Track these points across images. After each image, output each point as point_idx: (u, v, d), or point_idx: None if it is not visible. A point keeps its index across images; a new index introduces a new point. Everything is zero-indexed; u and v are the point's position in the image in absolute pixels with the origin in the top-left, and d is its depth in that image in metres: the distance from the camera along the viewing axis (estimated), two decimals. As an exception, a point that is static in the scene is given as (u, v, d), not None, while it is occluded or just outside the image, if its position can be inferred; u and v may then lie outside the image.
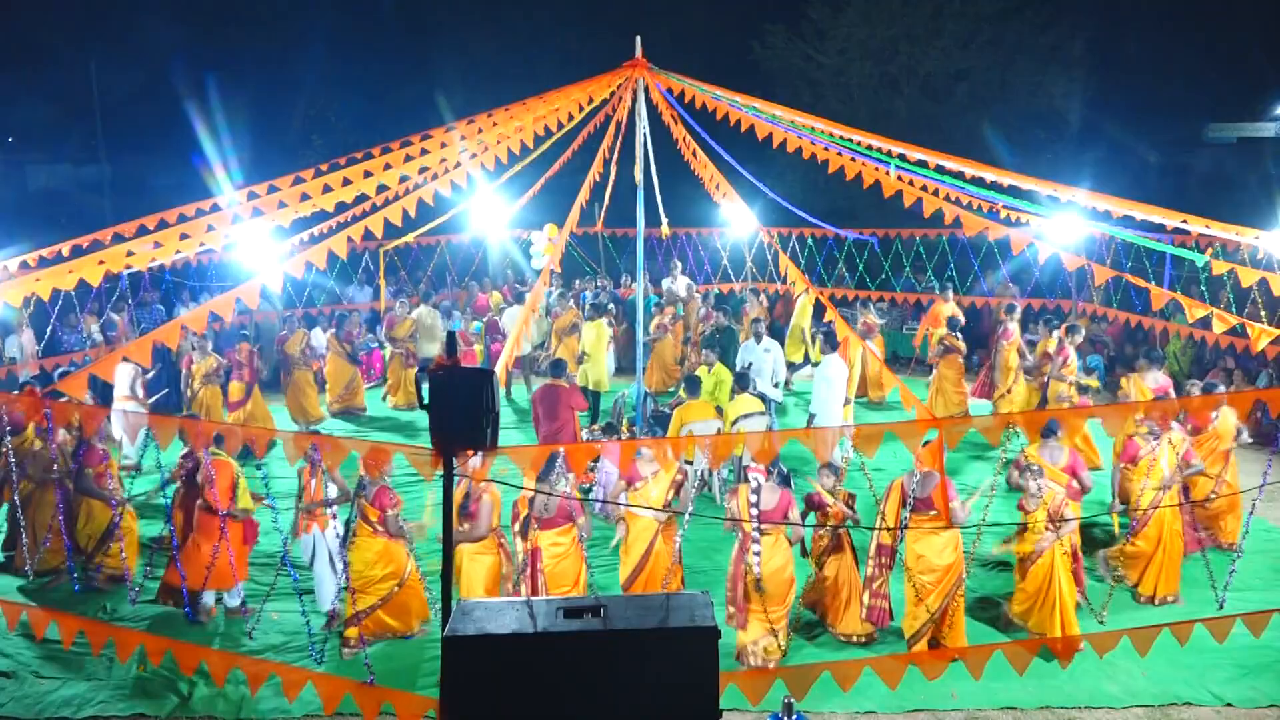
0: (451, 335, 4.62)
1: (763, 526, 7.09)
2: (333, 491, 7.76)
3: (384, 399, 14.61)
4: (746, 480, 7.23)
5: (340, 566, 7.41)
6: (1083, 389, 11.29)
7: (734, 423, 9.69)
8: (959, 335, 13.25)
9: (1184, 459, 8.21)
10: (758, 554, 7.05)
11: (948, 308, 14.14)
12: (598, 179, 11.21)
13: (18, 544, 8.70)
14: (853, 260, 18.47)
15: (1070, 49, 25.23)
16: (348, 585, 7.28)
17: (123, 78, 30.76)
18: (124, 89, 31.13)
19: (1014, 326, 12.77)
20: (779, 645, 7.30)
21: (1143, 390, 10.13)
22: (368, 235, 8.97)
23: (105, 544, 8.54)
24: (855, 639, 7.56)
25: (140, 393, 11.31)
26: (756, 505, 7.08)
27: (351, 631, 7.36)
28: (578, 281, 17.45)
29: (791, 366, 15.08)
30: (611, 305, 15.84)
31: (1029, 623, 7.56)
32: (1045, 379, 11.75)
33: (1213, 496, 8.91)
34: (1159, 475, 8.17)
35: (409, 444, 7.11)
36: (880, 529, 7.54)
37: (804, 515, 7.57)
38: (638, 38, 10.11)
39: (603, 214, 16.83)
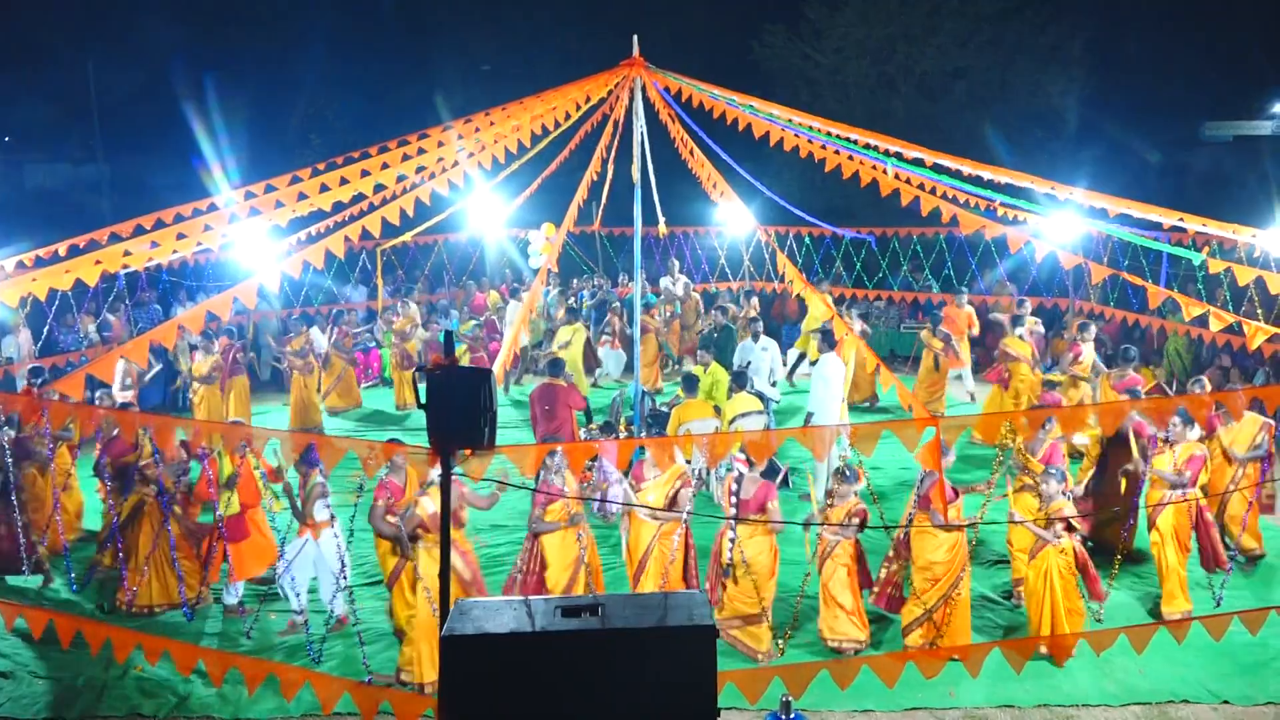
0: (449, 334, 4.61)
1: (745, 513, 7.26)
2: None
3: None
4: (732, 470, 7.49)
5: (337, 570, 7.38)
6: (1051, 385, 11.47)
7: (731, 421, 9.69)
8: (936, 332, 13.36)
9: (1182, 466, 8.01)
10: (733, 540, 7.28)
11: (963, 314, 14.02)
12: (595, 178, 11.20)
13: None
14: (850, 259, 18.48)
15: (1069, 48, 25.22)
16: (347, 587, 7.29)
17: (122, 77, 30.73)
18: (123, 89, 31.11)
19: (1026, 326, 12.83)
20: (770, 635, 7.35)
21: (1106, 390, 10.24)
22: (365, 235, 8.96)
23: (107, 544, 8.53)
24: (841, 644, 7.50)
25: (131, 385, 11.31)
26: (736, 494, 7.36)
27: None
28: (575, 281, 17.45)
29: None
30: (618, 304, 15.87)
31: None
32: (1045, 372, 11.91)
33: (1233, 488, 8.79)
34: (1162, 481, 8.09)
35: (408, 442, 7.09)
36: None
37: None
38: (635, 37, 10.10)
39: (600, 213, 16.82)
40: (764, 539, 7.37)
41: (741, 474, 7.40)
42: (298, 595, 7.73)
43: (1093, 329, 12.08)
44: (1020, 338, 12.36)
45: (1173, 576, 7.95)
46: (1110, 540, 8.66)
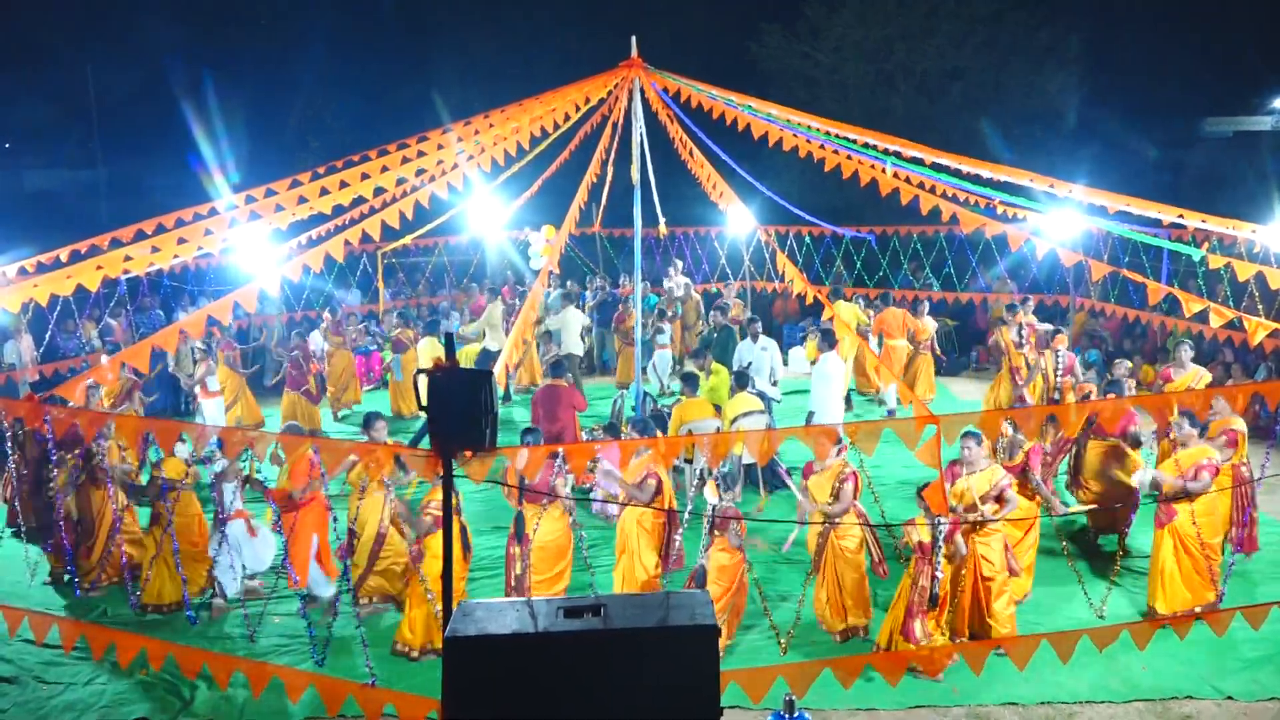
0: (449, 336, 4.63)
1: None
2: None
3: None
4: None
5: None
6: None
7: (733, 421, 9.70)
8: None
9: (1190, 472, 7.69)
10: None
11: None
12: (595, 179, 11.22)
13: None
14: (850, 258, 18.49)
15: (1065, 48, 25.24)
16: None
17: (121, 78, 30.72)
18: (122, 89, 31.10)
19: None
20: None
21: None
22: (365, 238, 8.98)
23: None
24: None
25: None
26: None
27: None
28: (569, 282, 17.45)
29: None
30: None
31: None
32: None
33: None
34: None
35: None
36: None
37: None
38: (634, 38, 10.12)
39: (600, 214, 16.84)
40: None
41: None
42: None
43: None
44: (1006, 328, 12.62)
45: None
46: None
